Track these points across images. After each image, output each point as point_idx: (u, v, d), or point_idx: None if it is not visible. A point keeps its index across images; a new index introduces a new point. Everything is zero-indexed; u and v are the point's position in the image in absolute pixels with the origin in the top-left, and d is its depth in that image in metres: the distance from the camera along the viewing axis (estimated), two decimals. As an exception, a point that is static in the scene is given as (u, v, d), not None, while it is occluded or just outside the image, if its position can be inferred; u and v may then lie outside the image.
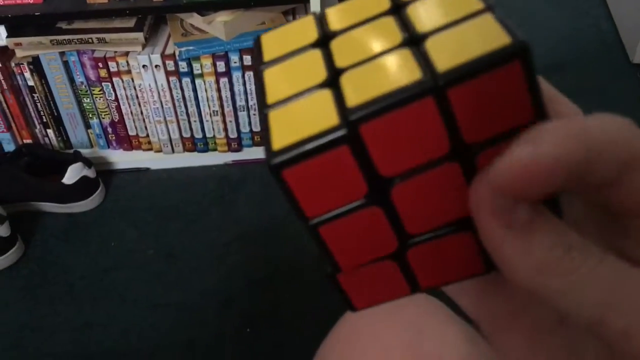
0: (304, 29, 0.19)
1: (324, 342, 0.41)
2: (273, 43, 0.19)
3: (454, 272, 0.20)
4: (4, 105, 1.21)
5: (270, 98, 0.17)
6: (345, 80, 0.17)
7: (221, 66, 1.16)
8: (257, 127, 1.27)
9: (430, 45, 0.16)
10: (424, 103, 0.16)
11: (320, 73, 0.17)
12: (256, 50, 0.19)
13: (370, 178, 0.17)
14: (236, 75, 1.18)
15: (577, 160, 0.15)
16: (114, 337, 1.00)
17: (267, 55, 0.19)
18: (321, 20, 0.19)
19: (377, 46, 0.17)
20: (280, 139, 0.16)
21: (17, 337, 1.01)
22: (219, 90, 1.20)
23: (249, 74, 1.18)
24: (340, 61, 0.17)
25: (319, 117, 0.16)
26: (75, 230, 1.19)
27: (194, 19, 1.14)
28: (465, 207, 0.17)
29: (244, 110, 1.24)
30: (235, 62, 1.16)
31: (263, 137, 0.17)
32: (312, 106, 0.17)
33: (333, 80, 0.17)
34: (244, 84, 1.20)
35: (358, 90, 0.16)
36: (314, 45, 0.19)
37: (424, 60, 0.16)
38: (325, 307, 1.05)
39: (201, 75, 1.17)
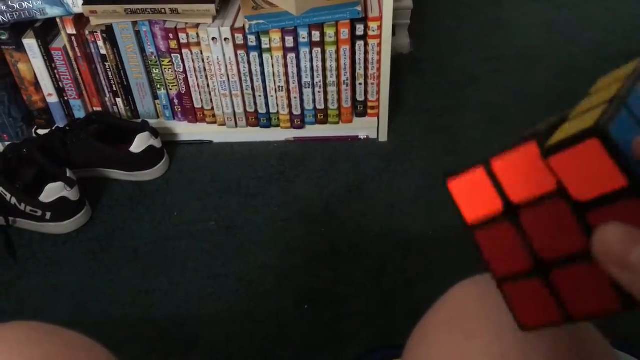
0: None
1: (423, 319, 0.40)
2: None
3: (594, 304, 0.24)
4: (77, 72, 1.24)
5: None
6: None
7: (289, 41, 1.16)
8: (321, 105, 1.27)
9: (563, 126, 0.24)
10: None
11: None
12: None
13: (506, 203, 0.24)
14: (304, 51, 1.17)
15: None
16: (175, 304, 1.02)
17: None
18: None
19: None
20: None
21: (81, 298, 1.04)
22: (285, 65, 1.20)
23: (317, 50, 1.17)
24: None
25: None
26: (140, 198, 1.22)
27: (266, -7, 1.14)
28: (575, 243, 0.23)
29: (309, 87, 1.23)
30: (304, 38, 1.15)
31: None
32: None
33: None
34: (311, 60, 1.19)
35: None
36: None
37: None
38: (383, 287, 1.05)
39: (269, 50, 1.17)
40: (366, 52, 1.19)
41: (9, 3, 1.13)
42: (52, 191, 1.10)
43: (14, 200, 1.11)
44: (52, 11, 1.14)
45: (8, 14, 1.14)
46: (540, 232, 0.23)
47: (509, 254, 0.24)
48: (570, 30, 1.62)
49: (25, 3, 1.13)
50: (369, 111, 1.29)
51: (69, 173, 1.12)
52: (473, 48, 1.58)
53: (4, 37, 1.18)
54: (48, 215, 1.12)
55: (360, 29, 1.16)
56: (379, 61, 1.19)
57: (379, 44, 1.17)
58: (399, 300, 1.00)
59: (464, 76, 1.48)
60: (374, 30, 1.15)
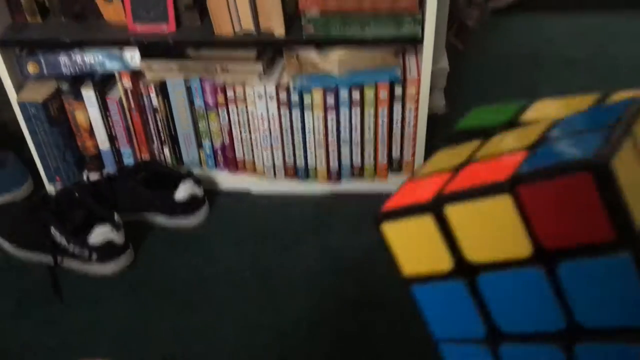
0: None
1: None
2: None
3: None
4: (129, 122, 1.32)
5: None
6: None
7: (330, 100, 1.22)
8: (357, 161, 1.31)
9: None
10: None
11: None
12: None
13: None
14: (344, 110, 1.23)
15: None
16: (209, 350, 1.05)
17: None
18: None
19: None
20: None
21: (121, 338, 1.08)
22: (325, 122, 1.25)
23: (356, 109, 1.23)
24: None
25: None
26: (180, 243, 1.27)
27: (310, 55, 1.21)
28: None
29: (347, 144, 1.28)
30: (344, 97, 1.21)
31: None
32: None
33: None
34: (350, 118, 1.24)
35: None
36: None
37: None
38: (416, 335, 1.06)
39: (311, 108, 1.23)
40: (403, 112, 1.25)
41: (72, 57, 1.22)
42: (100, 233, 1.15)
43: (63, 241, 1.17)
44: (112, 65, 1.22)
45: (71, 67, 1.23)
46: None
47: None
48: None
49: (87, 58, 1.22)
50: (404, 168, 1.33)
51: (116, 217, 1.18)
52: None
53: (65, 88, 1.27)
54: (94, 256, 1.17)
55: (398, 91, 1.21)
56: (415, 121, 1.24)
57: (416, 105, 1.22)
58: (431, 349, 1.01)
59: (497, 137, 1.52)
60: (411, 92, 1.20)
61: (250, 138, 1.31)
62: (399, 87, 1.21)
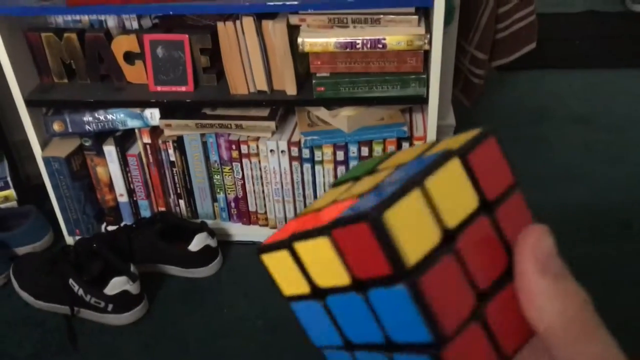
0: None
1: None
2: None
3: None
4: (147, 176, 1.37)
5: None
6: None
7: (340, 155, 1.27)
8: (366, 213, 1.35)
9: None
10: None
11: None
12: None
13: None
14: (353, 164, 1.28)
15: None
16: (221, 399, 1.07)
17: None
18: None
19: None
20: None
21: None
22: (335, 176, 1.30)
23: (365, 164, 1.28)
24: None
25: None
26: (194, 294, 1.30)
27: (321, 112, 1.27)
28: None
29: (356, 197, 1.33)
30: (353, 152, 1.26)
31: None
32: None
33: None
34: (359, 172, 1.29)
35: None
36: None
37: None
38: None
39: (321, 162, 1.28)
40: (410, 167, 1.29)
41: (96, 115, 1.29)
42: (117, 285, 1.19)
43: (80, 292, 1.21)
44: (132, 123, 1.29)
45: (94, 124, 1.29)
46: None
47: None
48: (609, 152, 1.68)
49: (110, 115, 1.28)
50: (412, 221, 1.36)
51: (132, 268, 1.22)
52: (512, 165, 1.65)
53: (87, 144, 1.33)
54: (110, 307, 1.20)
55: (405, 147, 1.26)
56: (422, 176, 1.28)
57: (423, 161, 1.26)
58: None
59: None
60: (418, 148, 1.25)
61: (263, 191, 1.36)
62: (406, 142, 1.26)
